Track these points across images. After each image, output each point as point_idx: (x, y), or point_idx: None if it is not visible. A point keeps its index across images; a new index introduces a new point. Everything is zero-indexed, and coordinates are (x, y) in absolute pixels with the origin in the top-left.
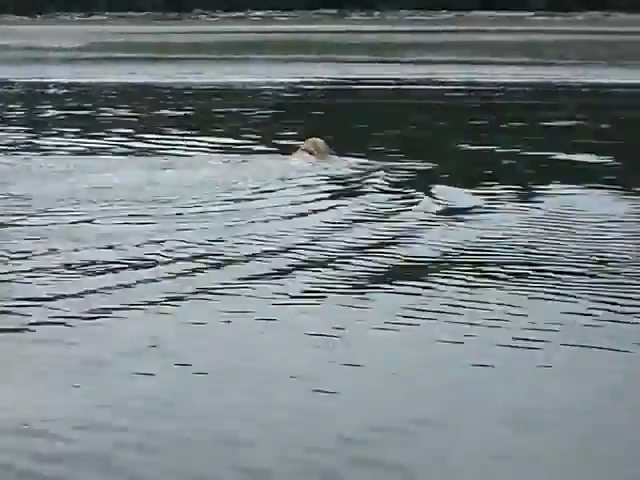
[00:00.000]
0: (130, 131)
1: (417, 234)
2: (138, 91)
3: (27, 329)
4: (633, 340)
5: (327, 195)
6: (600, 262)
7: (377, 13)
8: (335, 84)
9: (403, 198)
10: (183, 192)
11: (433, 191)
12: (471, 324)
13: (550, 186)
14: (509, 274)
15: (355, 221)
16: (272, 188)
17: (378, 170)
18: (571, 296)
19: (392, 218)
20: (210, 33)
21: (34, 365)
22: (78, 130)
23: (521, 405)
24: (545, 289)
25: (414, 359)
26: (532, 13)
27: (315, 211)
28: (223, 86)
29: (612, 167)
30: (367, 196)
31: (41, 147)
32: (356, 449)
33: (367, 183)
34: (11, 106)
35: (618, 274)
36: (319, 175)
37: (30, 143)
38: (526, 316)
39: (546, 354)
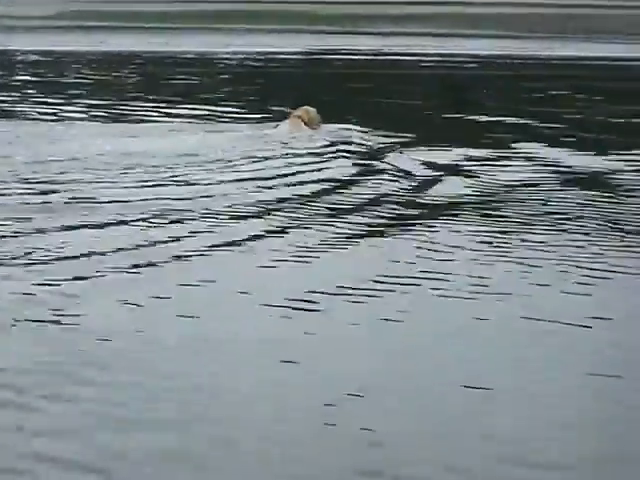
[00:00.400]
0: (104, 99)
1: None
2: (110, 59)
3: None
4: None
5: (324, 165)
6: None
7: None
8: (308, 54)
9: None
10: (172, 160)
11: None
12: (439, 295)
13: (533, 149)
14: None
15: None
16: (268, 156)
17: (369, 139)
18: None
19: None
20: (180, 2)
21: None
22: (51, 97)
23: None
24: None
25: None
26: None
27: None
28: (196, 55)
29: (584, 130)
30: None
31: (12, 113)
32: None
33: (358, 152)
34: None
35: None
36: (314, 144)
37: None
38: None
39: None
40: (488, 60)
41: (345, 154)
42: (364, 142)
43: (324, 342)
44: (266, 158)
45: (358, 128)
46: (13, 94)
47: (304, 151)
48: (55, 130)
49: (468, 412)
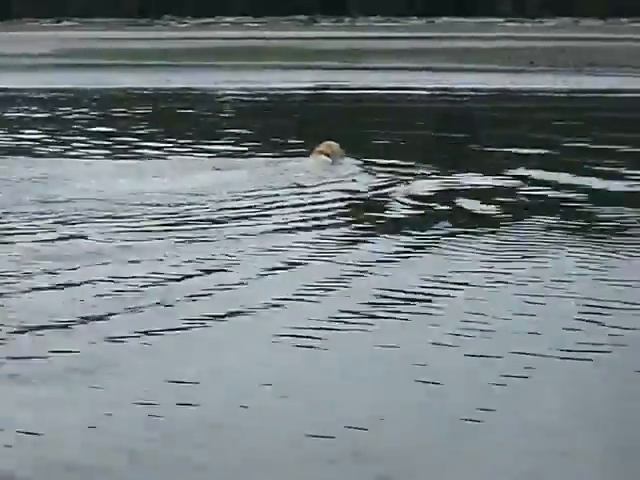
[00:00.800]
0: (114, 136)
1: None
2: (114, 97)
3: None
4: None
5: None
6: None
7: (347, 19)
8: (312, 89)
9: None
10: (198, 199)
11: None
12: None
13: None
14: None
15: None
16: (299, 194)
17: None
18: None
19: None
20: (181, 40)
21: None
22: (62, 135)
23: None
24: None
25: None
26: (502, 19)
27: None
28: (199, 91)
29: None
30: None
31: (24, 152)
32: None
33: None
34: None
35: None
36: (344, 179)
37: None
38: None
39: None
40: (491, 93)
41: (380, 189)
42: (391, 174)
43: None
44: (299, 196)
45: (381, 162)
46: (22, 131)
47: (335, 186)
48: (70, 168)
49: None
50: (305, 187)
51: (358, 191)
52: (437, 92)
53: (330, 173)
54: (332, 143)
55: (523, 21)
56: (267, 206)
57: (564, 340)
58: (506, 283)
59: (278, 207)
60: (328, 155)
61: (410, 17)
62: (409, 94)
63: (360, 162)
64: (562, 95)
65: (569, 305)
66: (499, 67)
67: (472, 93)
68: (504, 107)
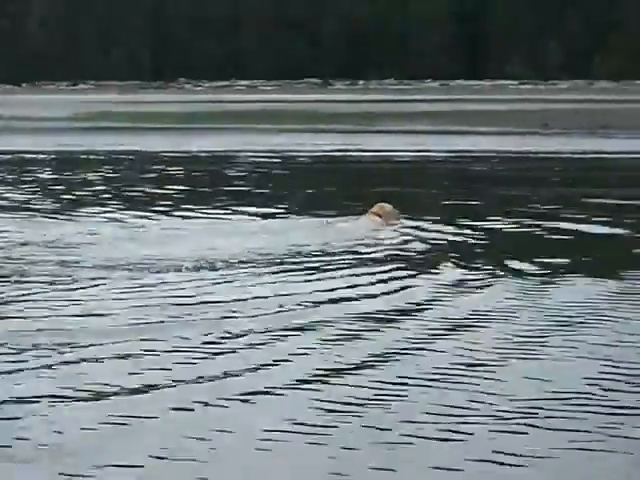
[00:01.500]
0: (155, 199)
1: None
2: (140, 159)
3: None
4: None
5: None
6: None
7: (361, 82)
8: (331, 152)
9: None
10: (249, 264)
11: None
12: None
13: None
14: None
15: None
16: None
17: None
18: None
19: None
20: (196, 102)
21: None
22: (103, 200)
23: None
24: None
25: None
26: (516, 82)
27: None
28: (216, 154)
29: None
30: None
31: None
32: None
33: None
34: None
35: None
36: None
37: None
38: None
39: None
40: (505, 155)
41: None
42: (448, 234)
43: None
44: (359, 260)
45: (435, 219)
46: (38, 193)
47: (391, 250)
48: (101, 230)
49: None
50: (364, 251)
51: (419, 251)
52: (452, 154)
53: (384, 234)
54: (385, 205)
55: (537, 83)
56: (329, 269)
57: None
58: None
59: (338, 269)
60: (380, 216)
61: (424, 80)
62: (426, 156)
63: (414, 223)
64: (576, 157)
65: None
66: (513, 129)
67: (487, 155)
68: (518, 168)
